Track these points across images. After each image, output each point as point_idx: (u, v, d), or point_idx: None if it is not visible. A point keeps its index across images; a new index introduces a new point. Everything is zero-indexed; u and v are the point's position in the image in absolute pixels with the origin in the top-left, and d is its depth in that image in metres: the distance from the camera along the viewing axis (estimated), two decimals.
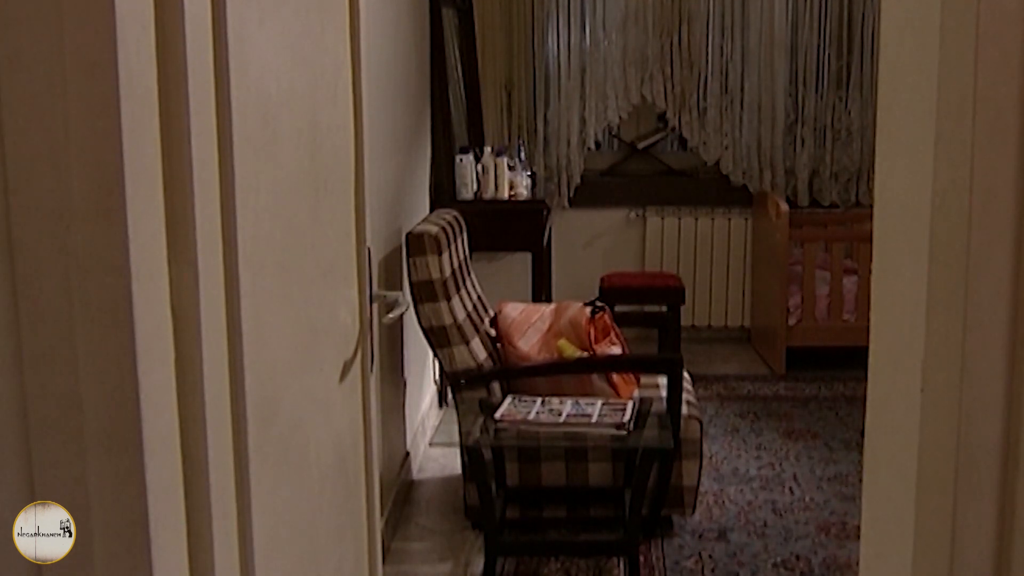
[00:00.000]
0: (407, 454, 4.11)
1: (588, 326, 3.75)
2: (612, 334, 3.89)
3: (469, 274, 4.00)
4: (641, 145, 6.33)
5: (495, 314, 3.96)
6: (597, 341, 3.77)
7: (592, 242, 6.27)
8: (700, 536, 3.66)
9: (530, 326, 3.86)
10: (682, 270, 6.09)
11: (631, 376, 3.82)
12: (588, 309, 3.83)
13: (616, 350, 3.80)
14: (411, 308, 3.53)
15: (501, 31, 5.95)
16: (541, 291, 4.93)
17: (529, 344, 3.76)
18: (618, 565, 3.42)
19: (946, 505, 1.08)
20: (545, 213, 4.94)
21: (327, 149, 1.71)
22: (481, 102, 5.78)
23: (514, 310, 3.95)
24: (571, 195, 6.17)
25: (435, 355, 3.62)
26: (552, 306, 4.04)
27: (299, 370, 1.57)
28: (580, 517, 3.71)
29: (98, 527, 1.04)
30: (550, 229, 5.49)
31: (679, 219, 6.15)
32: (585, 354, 3.69)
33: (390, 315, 2.21)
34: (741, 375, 5.64)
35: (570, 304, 3.92)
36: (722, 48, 6.05)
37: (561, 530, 3.70)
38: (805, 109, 6.11)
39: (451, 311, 3.55)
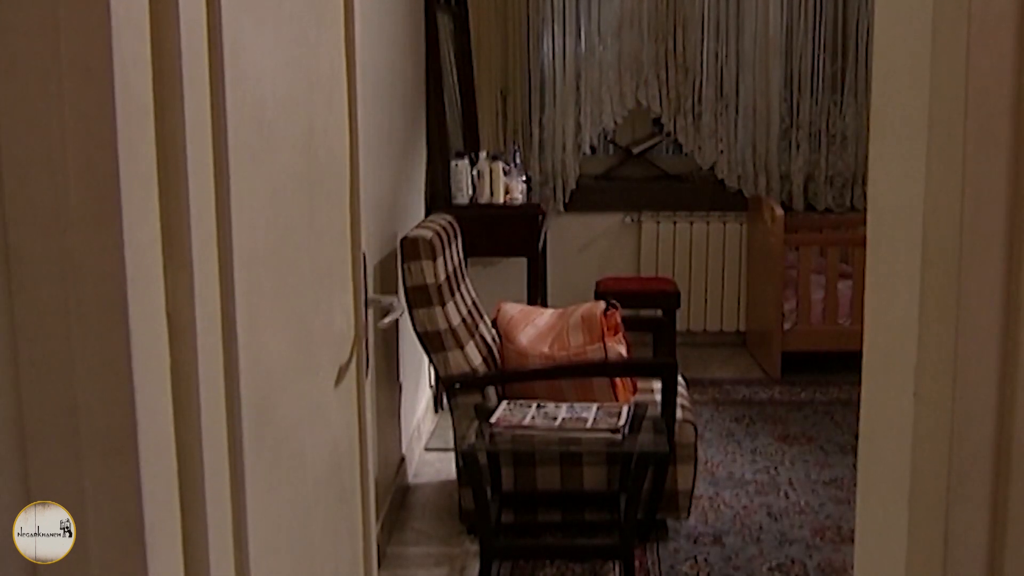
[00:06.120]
0: (402, 458, 4.11)
1: (602, 319, 3.77)
2: (620, 333, 3.90)
3: (464, 279, 4.00)
4: (636, 150, 6.34)
5: (496, 313, 3.98)
6: (608, 337, 3.79)
7: (587, 247, 6.28)
8: (695, 540, 3.66)
9: (529, 324, 3.88)
10: (677, 274, 6.10)
11: (629, 380, 3.83)
12: (602, 303, 3.86)
13: (623, 349, 3.81)
14: (406, 313, 3.53)
15: (496, 36, 5.96)
16: (536, 296, 4.94)
17: (528, 339, 3.78)
18: (613, 569, 3.42)
19: (939, 509, 1.08)
20: (540, 218, 4.95)
21: (322, 154, 1.71)
22: (476, 107, 5.78)
23: (513, 308, 3.98)
24: (566, 200, 6.17)
25: (430, 360, 3.62)
26: (552, 310, 4.08)
27: (294, 374, 1.57)
28: (575, 521, 3.71)
29: (94, 531, 1.04)
30: (545, 234, 5.49)
31: (674, 223, 6.16)
32: None
33: (385, 320, 2.21)
34: (736, 379, 5.65)
35: (579, 306, 3.94)
36: (717, 53, 6.07)
37: (556, 534, 3.70)
38: (800, 113, 6.12)
39: (446, 316, 3.55)
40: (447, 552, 3.61)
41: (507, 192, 4.95)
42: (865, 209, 1.43)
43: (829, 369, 5.63)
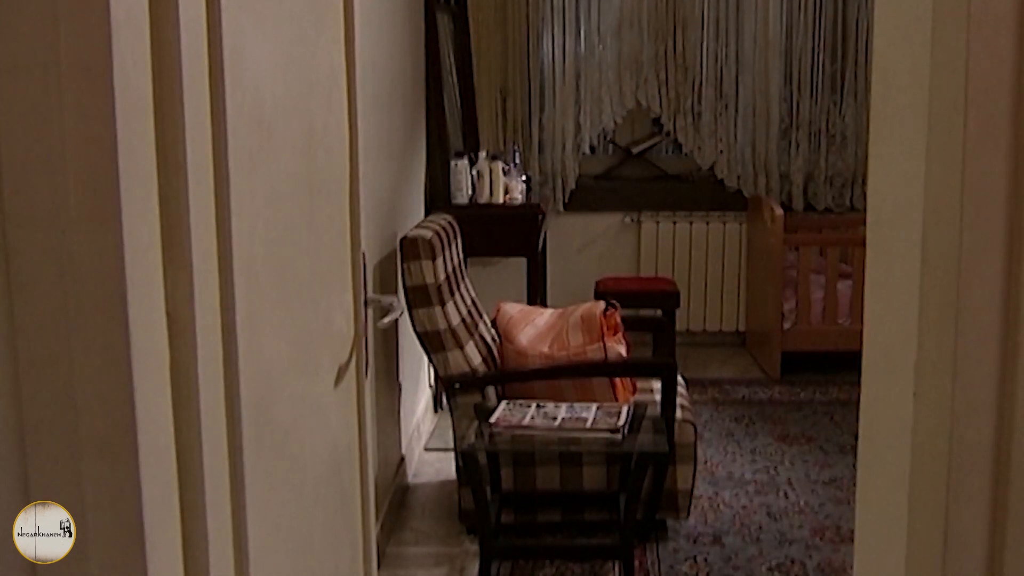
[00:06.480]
0: (402, 458, 4.11)
1: (601, 319, 3.77)
2: (620, 333, 3.90)
3: (463, 279, 4.00)
4: (636, 150, 6.34)
5: (495, 313, 3.98)
6: (608, 337, 3.79)
7: (587, 247, 6.28)
8: (695, 540, 3.66)
9: (528, 323, 3.88)
10: (677, 274, 6.10)
11: (628, 380, 3.83)
12: (602, 303, 3.86)
13: (623, 349, 3.81)
14: (405, 313, 3.54)
15: (496, 36, 5.96)
16: (536, 296, 4.94)
17: (528, 339, 3.78)
18: (613, 569, 3.43)
19: (939, 509, 1.08)
20: (540, 218, 4.95)
21: (322, 154, 1.71)
22: (476, 107, 5.78)
23: (513, 308, 3.98)
24: (566, 200, 6.17)
25: (429, 360, 3.62)
26: (552, 310, 4.07)
27: (294, 374, 1.57)
28: (575, 521, 3.71)
29: (93, 531, 1.04)
30: (545, 234, 5.50)
31: (674, 223, 6.16)
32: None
33: (384, 320, 2.21)
34: (736, 379, 5.65)
35: (579, 306, 3.94)
36: (716, 53, 6.07)
37: (556, 534, 3.70)
38: (800, 113, 6.12)
39: (445, 316, 3.55)
40: (447, 552, 3.61)
41: (507, 192, 4.95)
42: (865, 209, 1.43)
43: (829, 369, 5.63)
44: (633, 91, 6.09)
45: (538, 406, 3.41)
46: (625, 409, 3.38)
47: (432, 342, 3.55)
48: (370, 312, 2.07)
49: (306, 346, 1.64)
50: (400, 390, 4.13)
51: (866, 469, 1.29)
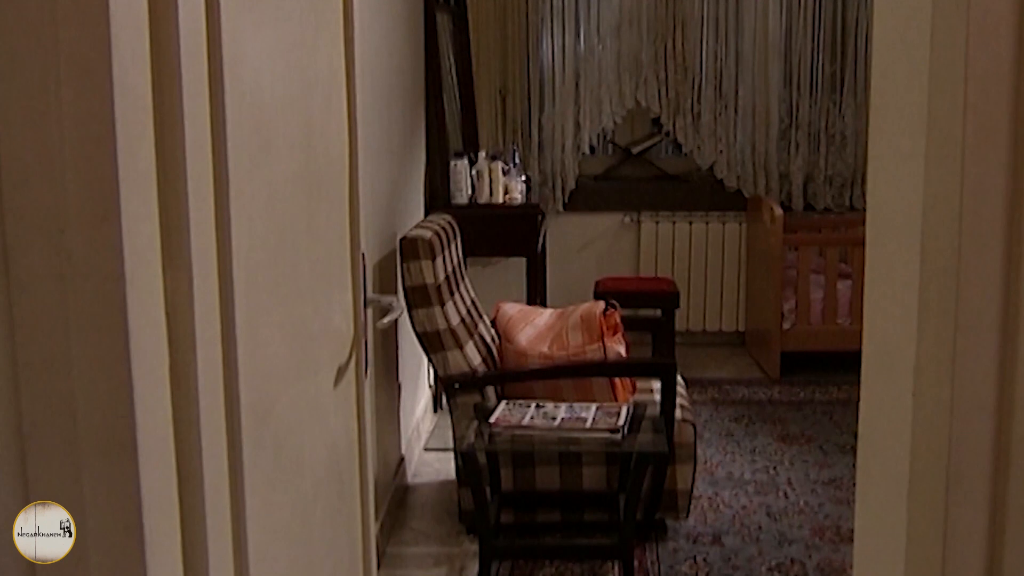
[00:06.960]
0: (402, 458, 4.11)
1: (601, 319, 3.77)
2: (620, 333, 3.90)
3: (463, 279, 4.00)
4: (635, 150, 6.34)
5: (495, 313, 3.98)
6: (607, 337, 3.79)
7: (587, 246, 6.28)
8: (695, 540, 3.66)
9: (528, 323, 3.88)
10: (677, 274, 6.10)
11: (628, 380, 3.83)
12: (601, 303, 3.86)
13: (622, 349, 3.81)
14: (405, 313, 3.54)
15: (496, 36, 5.96)
16: (536, 296, 4.94)
17: (527, 339, 3.78)
18: (612, 569, 3.43)
19: (938, 508, 1.08)
20: (540, 218, 4.95)
21: (321, 154, 1.71)
22: (476, 107, 5.78)
23: (512, 308, 3.99)
24: (566, 200, 6.17)
25: (429, 360, 3.63)
26: (552, 310, 4.07)
27: (293, 375, 1.57)
28: (574, 521, 3.71)
29: (93, 531, 1.04)
30: (545, 234, 5.49)
31: (673, 223, 6.16)
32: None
33: (384, 320, 2.21)
34: (735, 379, 5.65)
35: (578, 306, 3.94)
36: (716, 53, 6.07)
37: (555, 534, 3.70)
38: (799, 113, 6.12)
39: (445, 316, 3.55)
40: (446, 552, 3.61)
41: (506, 192, 4.95)
42: (864, 209, 1.43)
43: (828, 369, 5.63)
44: (633, 91, 6.09)
45: (538, 406, 3.41)
46: (624, 409, 3.38)
47: (432, 342, 3.55)
48: (370, 312, 2.07)
49: (306, 346, 1.64)
50: (400, 390, 4.13)
51: (866, 469, 1.29)
